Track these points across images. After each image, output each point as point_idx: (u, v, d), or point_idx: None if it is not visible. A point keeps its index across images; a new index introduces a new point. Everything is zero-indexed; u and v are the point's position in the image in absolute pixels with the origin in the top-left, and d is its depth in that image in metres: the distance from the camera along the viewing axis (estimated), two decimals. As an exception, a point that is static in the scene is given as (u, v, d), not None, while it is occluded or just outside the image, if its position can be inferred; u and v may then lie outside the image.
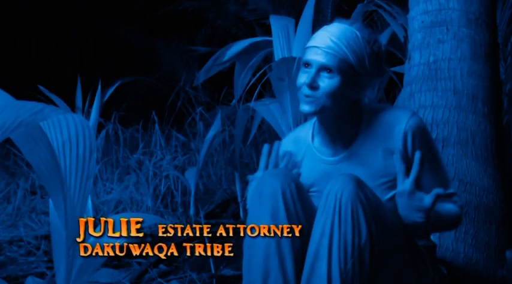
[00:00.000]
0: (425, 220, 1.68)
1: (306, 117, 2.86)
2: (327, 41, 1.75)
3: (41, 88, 3.47)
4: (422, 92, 2.54)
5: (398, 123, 1.78)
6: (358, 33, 1.77)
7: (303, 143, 1.91)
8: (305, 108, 1.77)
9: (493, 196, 2.36)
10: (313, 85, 1.75)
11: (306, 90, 1.76)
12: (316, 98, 1.75)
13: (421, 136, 1.79)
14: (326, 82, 1.74)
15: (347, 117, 1.81)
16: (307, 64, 1.77)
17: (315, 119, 1.90)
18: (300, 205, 1.71)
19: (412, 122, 1.78)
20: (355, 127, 1.82)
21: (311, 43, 1.78)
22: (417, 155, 1.69)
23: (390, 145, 1.77)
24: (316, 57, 1.75)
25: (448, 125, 2.44)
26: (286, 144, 1.94)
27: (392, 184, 1.76)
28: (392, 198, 1.76)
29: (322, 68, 1.75)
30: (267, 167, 1.84)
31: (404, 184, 1.68)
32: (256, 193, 1.74)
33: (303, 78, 1.77)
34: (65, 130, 1.66)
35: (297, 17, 3.68)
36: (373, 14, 4.91)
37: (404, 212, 1.70)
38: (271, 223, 1.69)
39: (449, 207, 1.81)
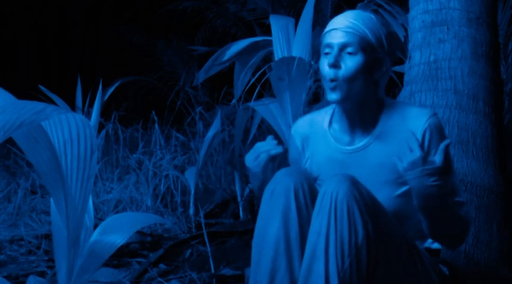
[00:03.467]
0: (441, 183, 1.63)
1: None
2: (344, 22, 1.76)
3: (42, 88, 3.46)
4: (423, 92, 2.54)
5: (418, 120, 1.78)
6: (372, 15, 1.79)
7: (319, 127, 1.90)
8: (332, 96, 1.75)
9: (493, 196, 2.36)
10: (336, 64, 1.73)
11: (330, 73, 1.74)
12: (340, 82, 1.73)
13: (439, 136, 1.78)
14: (350, 62, 1.74)
15: (369, 105, 1.80)
16: (328, 47, 1.77)
17: (333, 106, 1.89)
18: (311, 206, 1.70)
19: (431, 121, 1.78)
20: (375, 119, 1.82)
21: (329, 27, 1.79)
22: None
23: (407, 140, 1.72)
24: (336, 38, 1.75)
25: (449, 125, 2.44)
26: (301, 126, 1.93)
27: (404, 180, 1.72)
28: (402, 194, 1.76)
29: (344, 47, 1.75)
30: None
31: (413, 154, 1.64)
32: (267, 191, 1.73)
33: (325, 62, 1.76)
34: (66, 129, 1.65)
35: (296, 16, 3.68)
36: (373, 13, 4.90)
37: (419, 183, 1.65)
38: (282, 222, 1.68)
39: (457, 209, 1.75)
